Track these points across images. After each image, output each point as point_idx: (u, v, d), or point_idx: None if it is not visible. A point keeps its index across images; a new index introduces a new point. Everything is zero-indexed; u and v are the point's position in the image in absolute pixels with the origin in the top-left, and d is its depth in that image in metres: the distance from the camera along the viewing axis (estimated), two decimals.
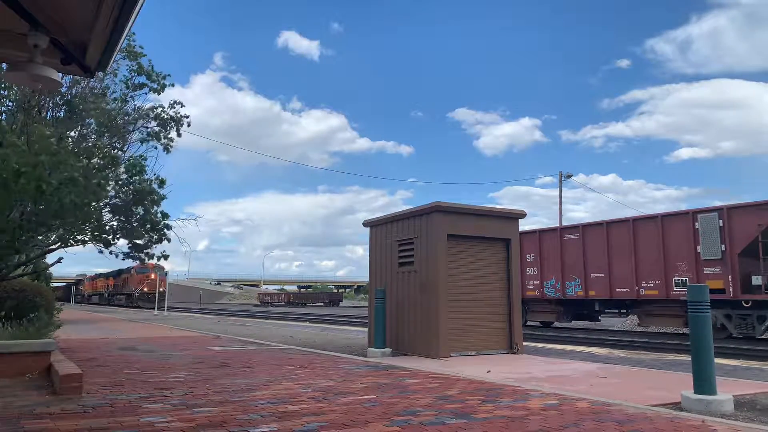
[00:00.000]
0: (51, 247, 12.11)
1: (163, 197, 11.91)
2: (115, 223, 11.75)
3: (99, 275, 64.63)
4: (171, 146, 12.30)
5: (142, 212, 11.62)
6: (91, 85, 11.28)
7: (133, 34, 11.27)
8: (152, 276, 47.72)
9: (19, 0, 3.31)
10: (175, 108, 12.20)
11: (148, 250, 12.35)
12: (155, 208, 11.72)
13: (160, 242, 12.05)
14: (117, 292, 55.48)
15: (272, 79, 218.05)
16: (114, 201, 11.64)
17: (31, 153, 8.19)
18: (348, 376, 6.62)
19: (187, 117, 12.35)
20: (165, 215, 11.96)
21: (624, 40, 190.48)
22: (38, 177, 8.04)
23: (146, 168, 11.66)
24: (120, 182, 11.62)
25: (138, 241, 12.02)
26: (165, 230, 11.92)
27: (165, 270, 48.58)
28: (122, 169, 11.52)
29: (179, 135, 12.29)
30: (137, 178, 11.43)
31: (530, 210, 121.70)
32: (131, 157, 11.89)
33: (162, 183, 11.82)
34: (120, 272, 55.51)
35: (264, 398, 5.06)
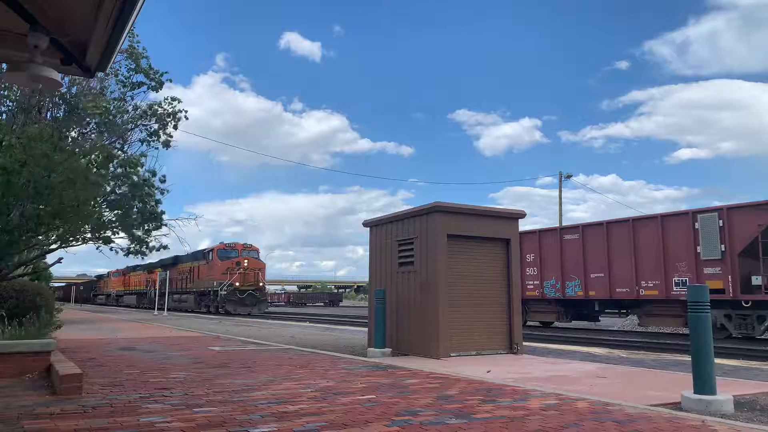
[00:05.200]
0: (51, 247, 12.11)
1: (163, 192, 11.91)
2: (113, 218, 11.76)
3: (136, 267, 43.89)
4: (171, 141, 12.30)
5: (139, 205, 11.64)
6: (92, 85, 11.28)
7: (137, 35, 11.28)
8: (245, 262, 32.33)
9: (18, 0, 3.31)
10: (172, 104, 12.20)
11: (148, 243, 12.34)
12: (152, 200, 11.75)
13: (159, 228, 12.06)
14: (176, 290, 36.83)
15: (274, 80, 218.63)
16: (111, 196, 11.66)
17: (27, 154, 8.19)
18: (348, 376, 6.62)
19: (185, 111, 12.36)
20: (158, 202, 12.01)
21: (623, 41, 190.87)
22: (33, 178, 8.04)
23: (142, 163, 11.70)
24: (116, 176, 11.63)
25: (136, 232, 12.01)
26: (161, 218, 11.94)
27: (258, 251, 34.18)
28: (117, 164, 11.52)
29: (176, 128, 12.29)
30: (132, 170, 11.44)
31: (530, 210, 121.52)
32: (131, 155, 11.91)
33: (154, 174, 11.84)
34: (178, 259, 36.88)
35: (264, 398, 5.06)
